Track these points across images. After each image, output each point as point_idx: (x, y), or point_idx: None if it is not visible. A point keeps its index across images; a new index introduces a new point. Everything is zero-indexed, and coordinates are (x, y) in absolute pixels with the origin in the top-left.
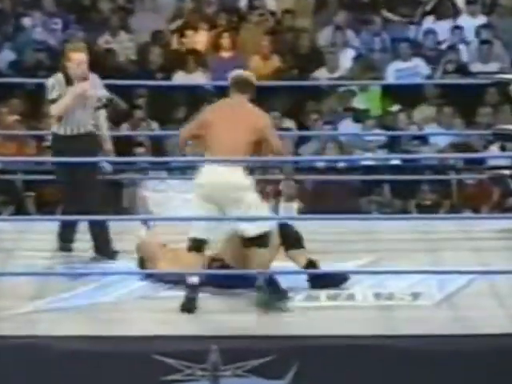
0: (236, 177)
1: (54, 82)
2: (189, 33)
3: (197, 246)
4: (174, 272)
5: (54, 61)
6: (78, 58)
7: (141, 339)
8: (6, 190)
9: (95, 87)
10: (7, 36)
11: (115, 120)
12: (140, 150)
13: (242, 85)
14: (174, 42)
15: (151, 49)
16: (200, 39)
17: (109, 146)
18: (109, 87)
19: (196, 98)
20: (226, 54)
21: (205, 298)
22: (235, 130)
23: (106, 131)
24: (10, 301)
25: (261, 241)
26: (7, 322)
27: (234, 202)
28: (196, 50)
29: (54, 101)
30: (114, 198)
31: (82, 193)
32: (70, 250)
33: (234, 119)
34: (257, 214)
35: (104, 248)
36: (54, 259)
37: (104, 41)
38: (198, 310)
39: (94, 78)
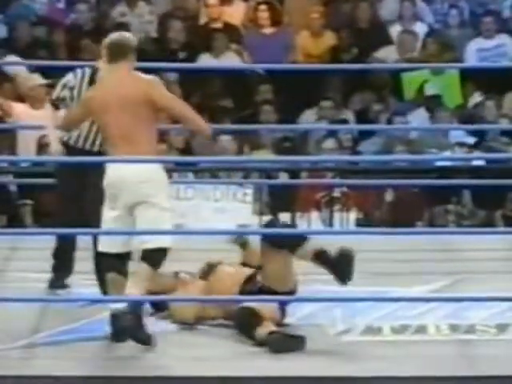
0: (144, 169)
1: (70, 81)
2: (217, 3)
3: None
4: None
5: (54, 37)
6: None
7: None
8: None
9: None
10: None
11: None
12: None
13: (116, 51)
14: (203, 15)
15: (173, 23)
16: (235, 12)
17: None
18: None
19: (236, 83)
20: (267, 31)
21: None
22: (126, 108)
23: None
24: (0, 334)
25: (154, 258)
26: None
27: (142, 201)
28: (230, 24)
29: (53, 101)
30: None
31: (84, 204)
32: (64, 287)
33: (122, 96)
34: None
35: None
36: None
37: (119, 13)
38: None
39: None
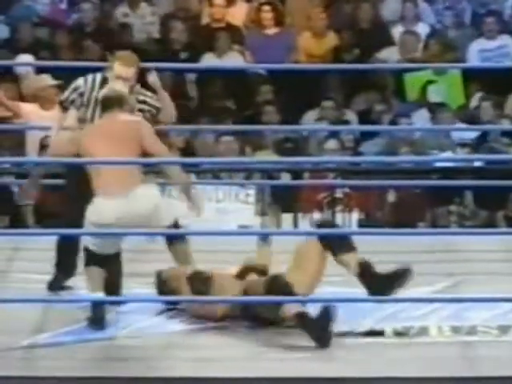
0: (145, 201)
1: (80, 87)
2: (222, 4)
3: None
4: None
5: (57, 38)
6: (120, 74)
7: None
8: (0, 197)
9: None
10: (0, 7)
11: None
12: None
13: (109, 104)
14: (205, 16)
15: (175, 23)
16: (237, 12)
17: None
18: None
19: (238, 83)
20: (269, 31)
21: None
22: (116, 147)
23: None
24: (2, 335)
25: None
26: None
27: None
28: (232, 25)
29: (62, 102)
30: None
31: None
32: (63, 288)
33: (112, 137)
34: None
35: None
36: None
37: (121, 13)
38: None
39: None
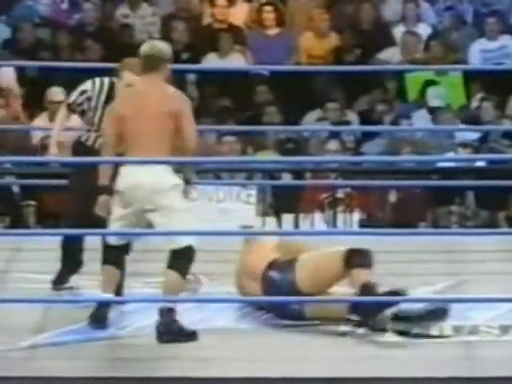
0: (158, 176)
1: (87, 91)
2: (220, 4)
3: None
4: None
5: (58, 39)
6: (129, 82)
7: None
8: (1, 197)
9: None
10: (1, 8)
11: None
12: None
13: (149, 62)
14: (206, 16)
15: (176, 24)
16: (238, 12)
17: None
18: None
19: (239, 84)
20: (270, 32)
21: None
22: (150, 119)
23: None
24: (3, 335)
25: (178, 258)
26: None
27: (155, 207)
28: (233, 25)
29: (69, 105)
30: None
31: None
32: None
33: (147, 107)
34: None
35: None
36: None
37: (122, 14)
38: None
39: None
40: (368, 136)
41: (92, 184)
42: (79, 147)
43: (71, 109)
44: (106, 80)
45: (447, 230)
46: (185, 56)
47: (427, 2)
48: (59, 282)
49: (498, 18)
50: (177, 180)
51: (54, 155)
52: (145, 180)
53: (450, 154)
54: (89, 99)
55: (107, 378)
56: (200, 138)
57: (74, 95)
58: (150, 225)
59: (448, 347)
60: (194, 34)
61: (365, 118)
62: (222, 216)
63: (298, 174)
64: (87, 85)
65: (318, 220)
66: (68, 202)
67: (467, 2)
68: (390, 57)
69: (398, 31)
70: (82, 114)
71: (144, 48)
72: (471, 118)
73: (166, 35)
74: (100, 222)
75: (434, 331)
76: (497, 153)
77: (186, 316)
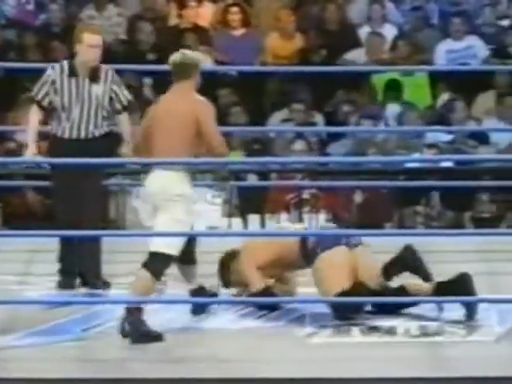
0: (166, 182)
1: (50, 75)
2: (190, 5)
3: None
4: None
5: (25, 40)
6: (91, 42)
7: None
8: None
9: (108, 83)
10: None
11: None
12: None
13: (182, 70)
14: (172, 17)
15: (142, 25)
16: (204, 13)
17: (125, 149)
18: None
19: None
20: (236, 32)
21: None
22: (172, 126)
23: (126, 136)
24: None
25: (151, 261)
26: None
27: (159, 208)
28: (199, 26)
29: (39, 102)
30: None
31: (79, 205)
32: (72, 286)
33: (173, 113)
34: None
35: (94, 276)
36: (25, 284)
37: (87, 15)
38: None
39: (107, 71)
40: (334, 137)
41: (76, 183)
42: (56, 142)
43: (41, 106)
44: (65, 62)
45: (413, 231)
46: (151, 57)
47: (393, 3)
48: (63, 287)
49: (464, 18)
50: (181, 189)
51: (31, 155)
52: (152, 188)
53: (416, 155)
54: (53, 82)
55: (74, 379)
56: None
57: (37, 87)
58: None
59: (414, 347)
60: (160, 35)
61: (330, 119)
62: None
63: (264, 174)
64: (47, 72)
65: (284, 220)
66: (52, 202)
67: (433, 3)
68: (356, 57)
69: (364, 32)
70: (51, 109)
71: (175, 57)
72: (437, 119)
73: (132, 36)
74: (84, 223)
75: (400, 331)
76: (463, 153)
77: (153, 317)
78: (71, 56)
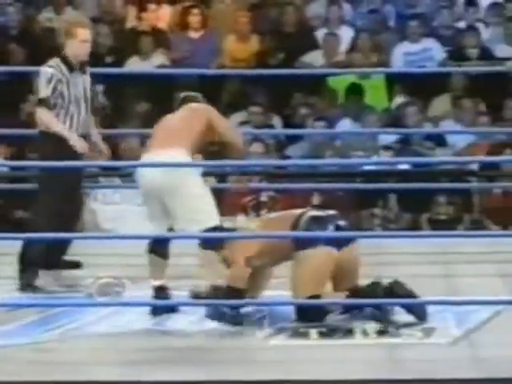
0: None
1: (53, 72)
2: (148, 7)
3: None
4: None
5: None
6: (84, 37)
7: None
8: None
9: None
10: None
11: None
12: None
13: (188, 100)
14: (130, 19)
15: (100, 27)
16: (162, 15)
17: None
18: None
19: (163, 87)
20: (194, 34)
21: None
22: (177, 118)
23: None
24: None
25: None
26: None
27: (172, 193)
28: (156, 28)
29: (43, 101)
30: None
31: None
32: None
33: (178, 115)
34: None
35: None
36: None
37: (45, 18)
38: None
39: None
40: (292, 139)
41: (67, 184)
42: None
43: (47, 104)
44: (56, 59)
45: (370, 233)
46: (109, 59)
47: (350, 5)
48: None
49: (421, 20)
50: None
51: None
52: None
53: (374, 157)
54: (60, 81)
55: (33, 382)
56: (123, 143)
57: (43, 89)
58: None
59: (371, 350)
60: (118, 38)
61: (288, 122)
62: (144, 220)
63: (221, 176)
64: (50, 71)
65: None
66: (41, 203)
67: (390, 5)
68: (314, 60)
69: (321, 34)
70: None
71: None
72: (393, 121)
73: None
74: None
75: (358, 333)
76: (420, 155)
77: (109, 320)
78: (28, 60)
